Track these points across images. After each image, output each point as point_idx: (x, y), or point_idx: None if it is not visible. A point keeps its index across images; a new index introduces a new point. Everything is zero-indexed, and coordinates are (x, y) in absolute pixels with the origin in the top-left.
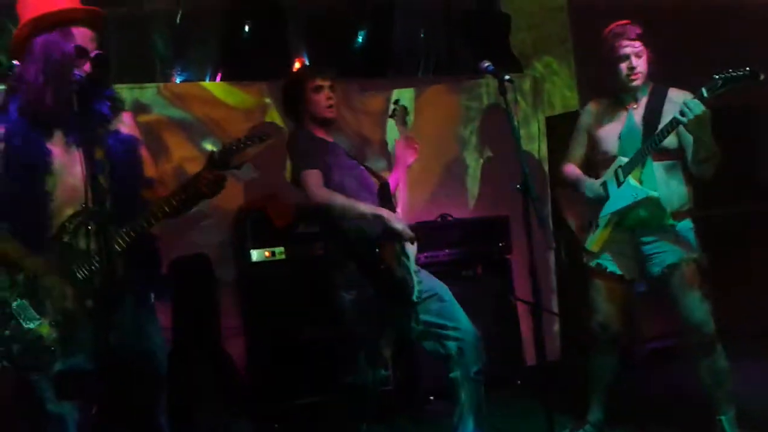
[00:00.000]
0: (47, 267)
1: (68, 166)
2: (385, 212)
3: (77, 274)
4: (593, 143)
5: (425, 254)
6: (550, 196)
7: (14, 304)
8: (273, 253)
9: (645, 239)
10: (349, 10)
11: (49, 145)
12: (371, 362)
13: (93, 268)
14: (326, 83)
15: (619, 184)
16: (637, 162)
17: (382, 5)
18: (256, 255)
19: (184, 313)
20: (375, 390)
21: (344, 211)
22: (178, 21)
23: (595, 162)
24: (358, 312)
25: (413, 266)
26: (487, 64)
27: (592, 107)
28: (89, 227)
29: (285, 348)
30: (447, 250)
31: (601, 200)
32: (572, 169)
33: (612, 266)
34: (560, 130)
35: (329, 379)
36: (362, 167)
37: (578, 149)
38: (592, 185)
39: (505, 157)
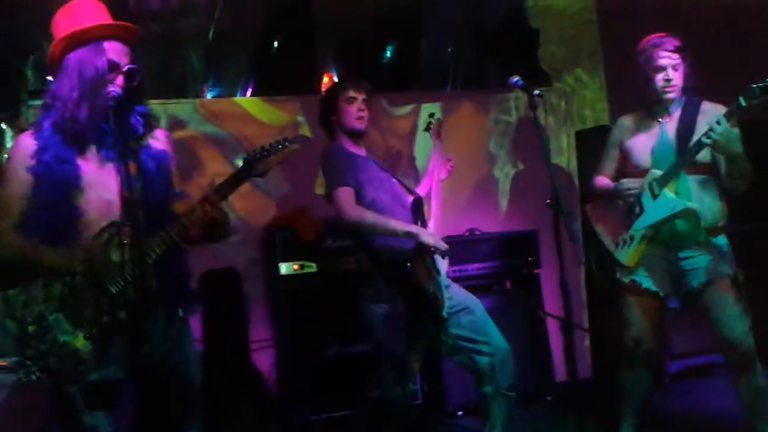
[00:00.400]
0: (81, 277)
1: (102, 181)
2: (415, 228)
3: (110, 287)
4: (625, 156)
5: (453, 268)
6: (581, 210)
7: (50, 317)
8: (302, 266)
9: (682, 254)
10: (378, 25)
11: (82, 161)
12: (400, 376)
13: (126, 280)
14: (360, 95)
15: (654, 197)
16: (671, 176)
17: (410, 20)
18: (284, 268)
19: (214, 327)
20: (403, 404)
21: (375, 229)
22: (210, 37)
23: (627, 175)
24: (388, 326)
25: (444, 281)
26: (516, 79)
27: (624, 121)
28: (122, 240)
29: (314, 361)
30: (476, 264)
31: (636, 201)
32: (604, 181)
33: (647, 282)
34: (590, 143)
35: (358, 393)
36: (395, 180)
37: (610, 163)
38: (630, 180)
39: (535, 171)
